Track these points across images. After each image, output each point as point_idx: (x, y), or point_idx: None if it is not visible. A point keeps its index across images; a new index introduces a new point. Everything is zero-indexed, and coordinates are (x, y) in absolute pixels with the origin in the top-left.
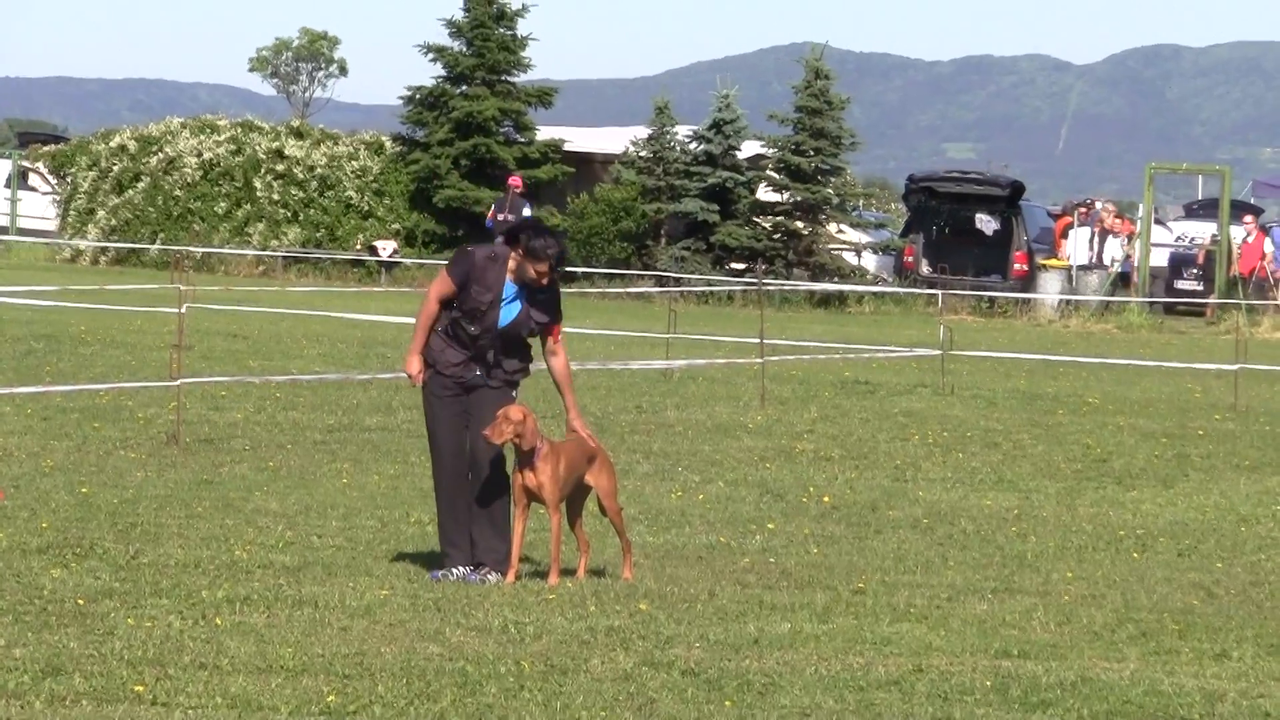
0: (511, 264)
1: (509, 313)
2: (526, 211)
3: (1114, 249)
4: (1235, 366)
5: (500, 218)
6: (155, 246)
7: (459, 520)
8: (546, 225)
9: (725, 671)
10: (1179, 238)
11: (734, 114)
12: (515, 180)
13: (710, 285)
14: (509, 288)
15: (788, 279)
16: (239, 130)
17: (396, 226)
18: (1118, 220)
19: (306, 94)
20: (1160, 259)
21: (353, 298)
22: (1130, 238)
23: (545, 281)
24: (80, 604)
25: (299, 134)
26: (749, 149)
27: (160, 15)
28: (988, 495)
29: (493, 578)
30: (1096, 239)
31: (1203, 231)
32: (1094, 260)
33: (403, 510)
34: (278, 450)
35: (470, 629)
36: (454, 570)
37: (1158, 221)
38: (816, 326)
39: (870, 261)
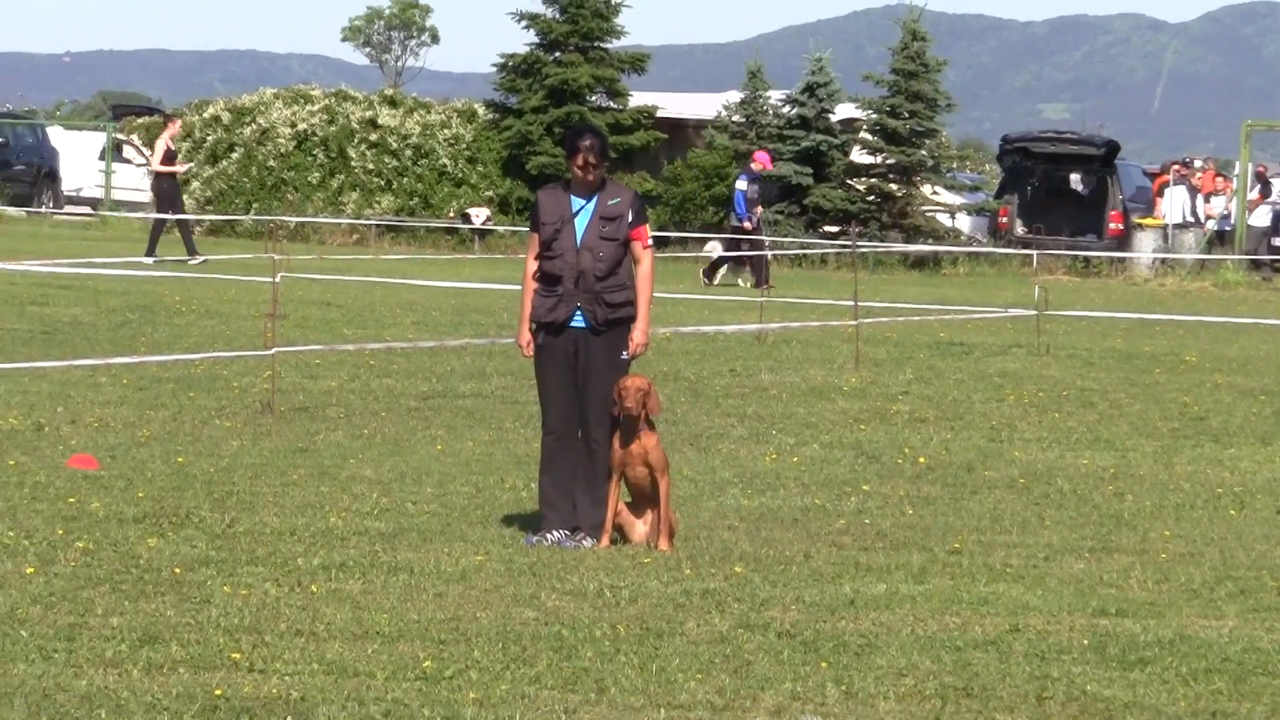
0: (570, 177)
1: (581, 225)
2: (742, 185)
3: (1212, 207)
4: None
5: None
6: (249, 217)
7: (560, 482)
8: (589, 123)
9: (821, 633)
10: (1278, 194)
11: (827, 77)
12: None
13: (804, 248)
14: (575, 202)
15: (882, 241)
16: (332, 100)
17: (490, 194)
18: (1219, 179)
19: (399, 63)
20: (1261, 218)
21: (446, 265)
22: (1228, 195)
23: (593, 175)
24: (177, 572)
25: (392, 103)
26: (842, 112)
27: None
28: (1084, 454)
29: (588, 543)
30: (1190, 197)
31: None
32: (1189, 218)
33: (497, 476)
34: (372, 418)
35: (565, 593)
36: (550, 534)
37: (1260, 180)
38: (911, 288)
39: (965, 223)
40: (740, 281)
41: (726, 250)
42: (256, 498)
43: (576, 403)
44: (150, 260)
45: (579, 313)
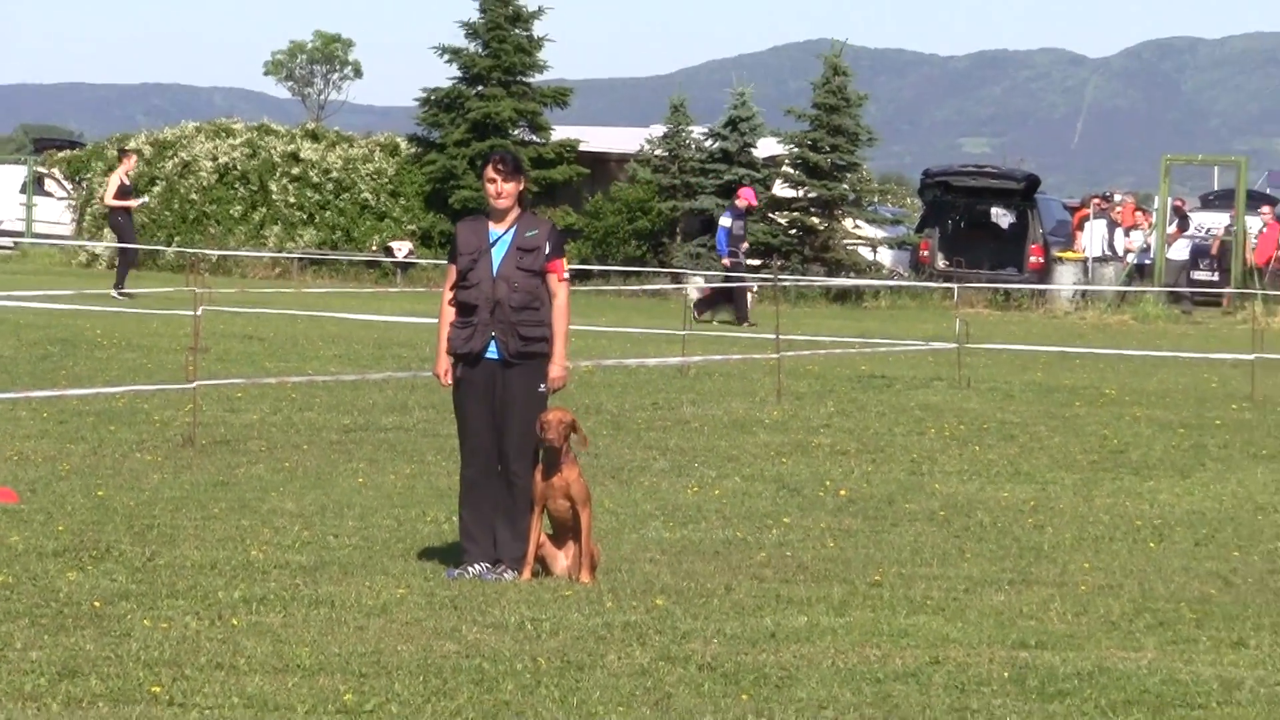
0: (489, 209)
1: (498, 255)
2: (726, 222)
3: (1132, 240)
4: (1252, 356)
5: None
6: (171, 249)
7: (480, 515)
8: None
9: (742, 665)
10: (1194, 229)
11: (749, 111)
12: (745, 193)
13: (726, 281)
14: (493, 233)
15: (804, 275)
16: (254, 134)
17: (412, 228)
18: (1139, 213)
19: (321, 97)
20: (1179, 251)
21: (368, 298)
22: (1147, 229)
23: (501, 191)
24: (96, 606)
25: (314, 137)
26: (765, 146)
27: (174, 20)
28: (1004, 487)
29: (509, 576)
30: (1109, 231)
31: (1218, 222)
32: (1113, 251)
33: (419, 509)
34: (293, 451)
35: (487, 626)
36: (471, 567)
37: (1178, 214)
38: (833, 321)
39: (886, 256)
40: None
41: (717, 287)
42: (177, 531)
43: (495, 436)
44: (116, 294)
45: (493, 343)
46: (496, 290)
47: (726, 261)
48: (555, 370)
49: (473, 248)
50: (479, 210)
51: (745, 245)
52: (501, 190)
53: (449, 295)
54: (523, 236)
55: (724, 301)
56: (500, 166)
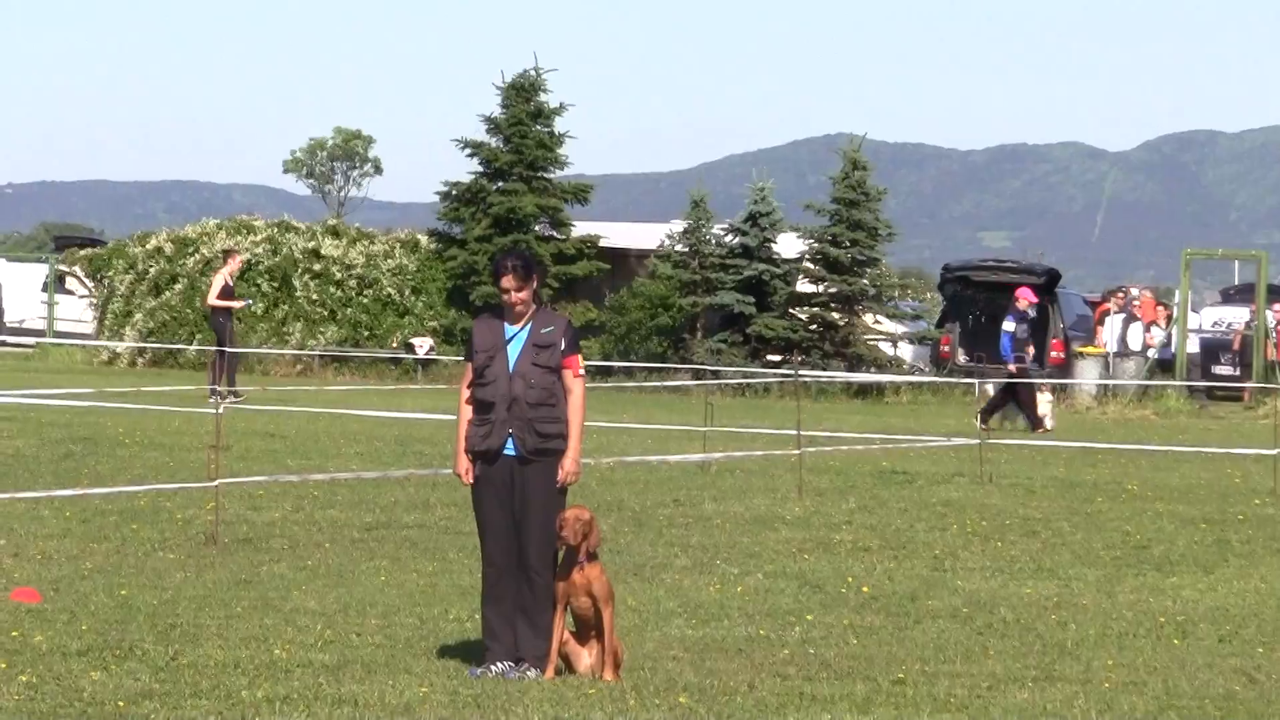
0: (504, 306)
1: (514, 352)
2: (1009, 326)
3: (1153, 335)
4: (1274, 451)
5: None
6: (193, 347)
7: (503, 613)
8: (515, 247)
9: None
10: (1215, 323)
11: (769, 206)
12: (1024, 293)
13: (747, 377)
14: (508, 330)
15: (824, 370)
16: (275, 230)
17: (434, 324)
18: (1160, 308)
19: (342, 193)
20: (1196, 345)
21: (390, 395)
22: (1168, 322)
23: (516, 298)
24: (120, 706)
25: (335, 233)
26: (784, 240)
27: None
28: (1027, 583)
29: (532, 674)
30: (1130, 325)
31: (1238, 317)
32: (1126, 346)
33: (442, 608)
34: (316, 549)
35: None
36: (494, 665)
37: (1193, 309)
38: (854, 417)
39: (907, 351)
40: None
41: (998, 392)
42: (200, 630)
43: (514, 533)
44: (212, 396)
45: (510, 440)
46: (514, 387)
47: (1013, 367)
48: (569, 464)
49: (489, 344)
50: (496, 306)
51: (1031, 349)
52: (516, 298)
53: (466, 393)
54: (539, 333)
55: (1009, 407)
56: (514, 273)
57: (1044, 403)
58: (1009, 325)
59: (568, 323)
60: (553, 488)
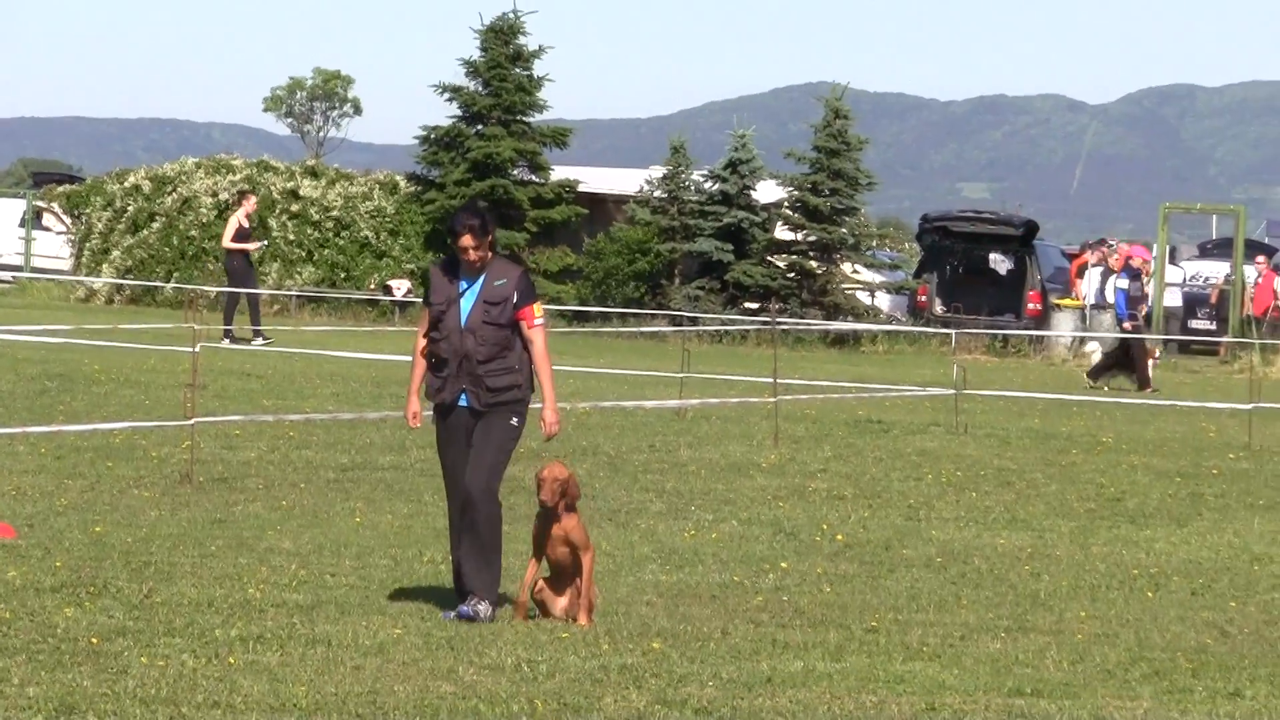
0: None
1: (466, 307)
2: (1123, 284)
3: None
4: (1249, 406)
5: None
6: (170, 285)
7: None
8: (472, 202)
9: (738, 710)
10: (1192, 277)
11: (749, 154)
12: (1138, 251)
13: (724, 324)
14: (462, 283)
15: (802, 318)
16: (254, 170)
17: (411, 267)
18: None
19: (321, 134)
20: (1174, 299)
21: (367, 337)
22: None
23: (475, 256)
24: (94, 643)
25: (314, 174)
26: (764, 188)
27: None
28: (1001, 534)
29: (483, 607)
30: (1104, 278)
31: (1216, 271)
32: (1104, 299)
33: (416, 549)
34: (291, 489)
35: (484, 667)
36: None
37: (1171, 261)
38: (830, 366)
39: (884, 301)
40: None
41: (1111, 350)
42: (174, 568)
43: None
44: (225, 338)
45: (464, 394)
46: (464, 343)
47: (1128, 325)
48: (550, 415)
49: (443, 297)
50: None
51: (1144, 307)
52: (475, 256)
53: (423, 341)
54: (490, 287)
55: (1119, 366)
56: (473, 233)
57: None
58: (1122, 283)
59: (521, 273)
60: (507, 424)
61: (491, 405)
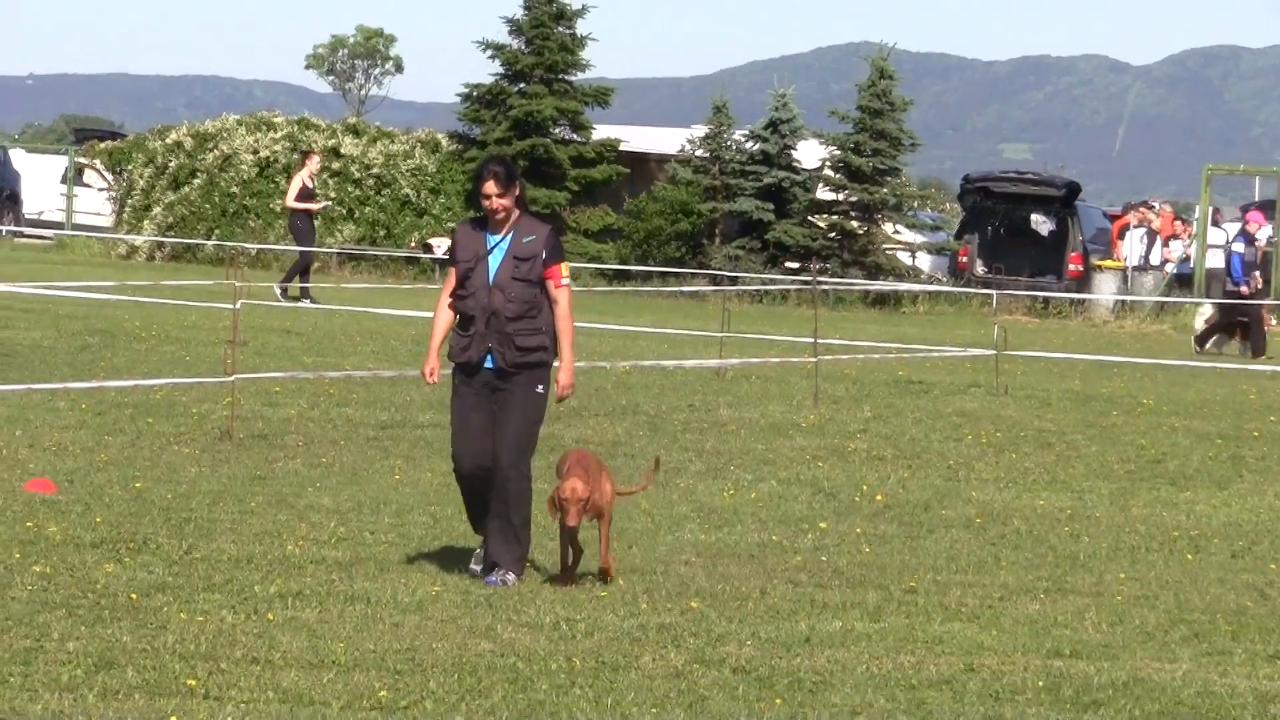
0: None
1: (494, 263)
2: (1239, 248)
3: (1171, 250)
4: None
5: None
6: (210, 243)
7: (479, 515)
8: (498, 154)
9: (776, 669)
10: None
11: (790, 113)
12: (1255, 216)
13: (765, 284)
14: (489, 239)
15: (842, 278)
16: (295, 128)
17: (452, 225)
18: (1178, 223)
19: (363, 91)
20: (1215, 260)
21: (407, 295)
22: (1186, 239)
23: (498, 205)
24: (133, 598)
25: (355, 131)
26: (805, 148)
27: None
28: (1041, 495)
29: (510, 578)
30: (1148, 240)
31: (1260, 235)
32: (1147, 261)
33: (455, 507)
34: (330, 446)
35: (522, 625)
36: (474, 566)
37: (1214, 223)
38: (871, 326)
39: (925, 262)
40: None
41: (1223, 316)
42: (214, 524)
43: (489, 437)
44: (280, 292)
45: (490, 354)
46: (493, 300)
47: (1245, 290)
48: (564, 377)
49: (470, 254)
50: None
51: (1258, 274)
52: (498, 205)
53: (446, 298)
54: (519, 244)
55: (1225, 333)
56: (496, 179)
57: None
58: (1239, 247)
59: (550, 230)
60: (533, 393)
61: (518, 365)
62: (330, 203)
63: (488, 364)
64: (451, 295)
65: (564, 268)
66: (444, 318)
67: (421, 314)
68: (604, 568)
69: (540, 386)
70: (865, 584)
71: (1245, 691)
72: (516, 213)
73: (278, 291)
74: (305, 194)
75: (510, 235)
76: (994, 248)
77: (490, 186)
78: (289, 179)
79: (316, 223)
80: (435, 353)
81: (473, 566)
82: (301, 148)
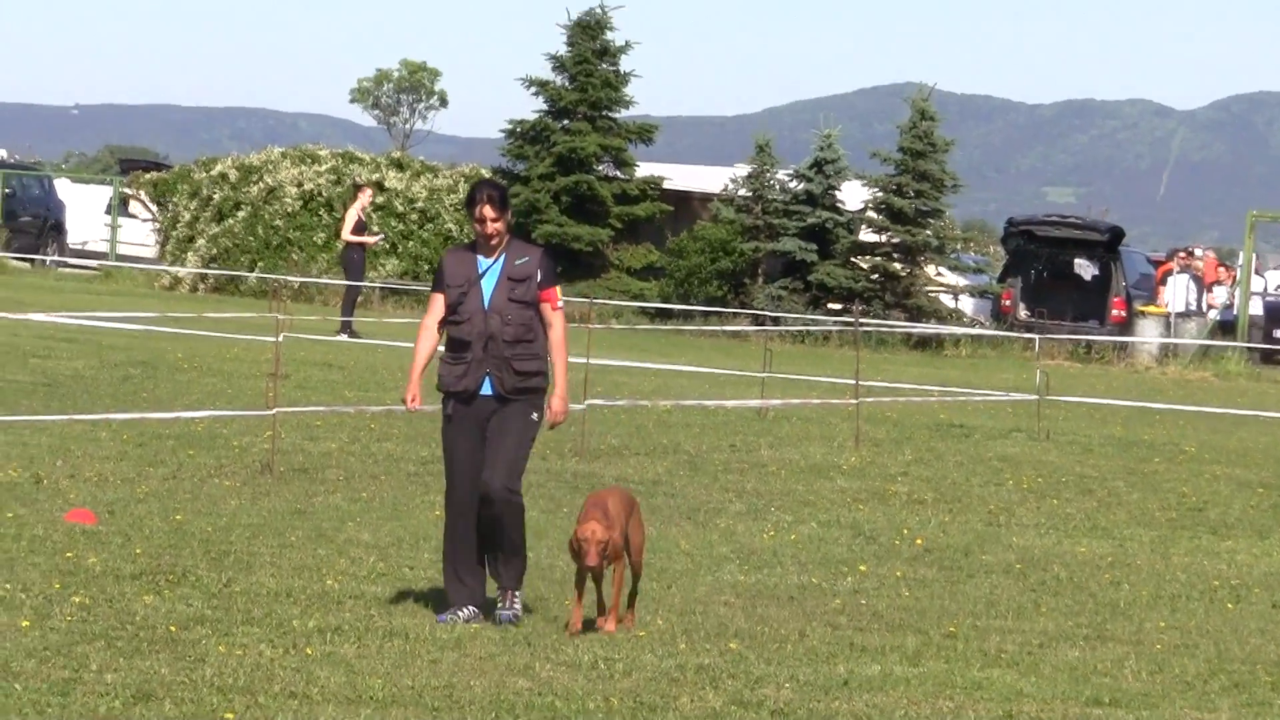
0: (476, 238)
1: (488, 286)
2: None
3: (1215, 296)
4: None
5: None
6: (254, 275)
7: (467, 557)
8: (490, 178)
9: (814, 713)
10: (1277, 286)
11: (835, 154)
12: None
13: (806, 325)
14: (481, 263)
15: (884, 320)
16: (339, 161)
17: None
18: (1222, 269)
19: (407, 126)
20: (1256, 308)
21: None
22: (1231, 284)
23: (493, 228)
24: (172, 630)
25: (399, 165)
26: (849, 189)
27: (263, 45)
28: (1081, 542)
29: (518, 606)
30: (1193, 286)
31: None
32: (1190, 307)
33: None
34: (371, 481)
35: (560, 664)
36: (462, 611)
37: (1256, 272)
38: (912, 369)
39: (968, 304)
40: None
41: None
42: (254, 558)
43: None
44: (344, 335)
45: (488, 379)
46: (489, 324)
47: None
48: (558, 404)
49: (461, 279)
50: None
51: None
52: (493, 228)
53: (429, 324)
54: (512, 265)
55: None
56: (491, 203)
57: None
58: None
59: (543, 252)
60: (527, 419)
61: (516, 390)
62: (384, 236)
63: (485, 390)
64: (442, 323)
65: (558, 290)
66: (426, 345)
67: None
68: (599, 624)
69: (535, 414)
70: (904, 628)
71: None
72: (507, 236)
73: (343, 336)
74: (359, 227)
75: (502, 258)
76: (1037, 291)
77: (487, 210)
78: (342, 212)
79: (372, 255)
80: (417, 381)
81: (442, 617)
82: (356, 180)
